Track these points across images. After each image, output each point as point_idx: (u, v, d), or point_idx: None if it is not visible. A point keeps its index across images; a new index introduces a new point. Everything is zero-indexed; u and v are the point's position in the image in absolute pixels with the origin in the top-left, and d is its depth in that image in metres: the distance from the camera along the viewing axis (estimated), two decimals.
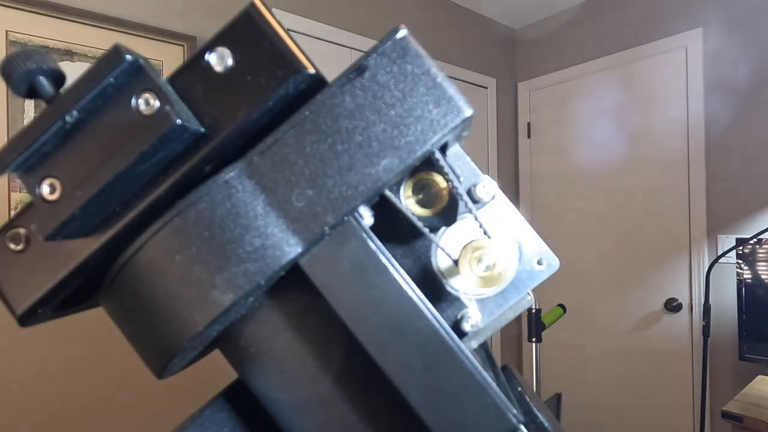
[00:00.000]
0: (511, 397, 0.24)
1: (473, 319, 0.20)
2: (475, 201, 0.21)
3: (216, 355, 0.24)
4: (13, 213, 1.13)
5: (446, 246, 0.20)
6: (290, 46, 0.18)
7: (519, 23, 2.65)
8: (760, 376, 1.71)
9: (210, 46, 0.18)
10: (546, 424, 0.25)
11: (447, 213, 0.21)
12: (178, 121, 0.17)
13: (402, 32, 0.19)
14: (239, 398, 0.25)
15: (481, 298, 0.21)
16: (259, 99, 0.18)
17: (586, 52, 2.39)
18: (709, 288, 1.79)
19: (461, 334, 0.20)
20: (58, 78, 0.18)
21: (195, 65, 0.18)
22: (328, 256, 0.19)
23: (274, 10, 1.77)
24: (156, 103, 0.17)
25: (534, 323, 1.38)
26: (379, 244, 0.19)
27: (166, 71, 1.50)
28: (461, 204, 0.21)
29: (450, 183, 0.20)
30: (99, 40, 1.39)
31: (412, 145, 0.18)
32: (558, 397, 1.49)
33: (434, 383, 0.18)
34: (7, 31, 1.25)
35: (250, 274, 0.18)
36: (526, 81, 2.66)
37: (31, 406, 1.28)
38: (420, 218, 0.21)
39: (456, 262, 0.19)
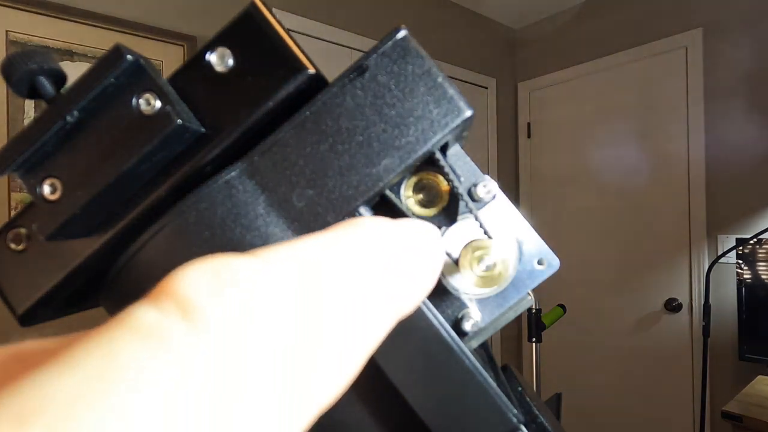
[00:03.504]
0: (511, 397, 0.24)
1: (473, 319, 0.20)
2: (475, 201, 0.21)
3: None
4: (13, 213, 1.13)
5: (446, 246, 0.20)
6: (291, 46, 0.18)
7: (519, 23, 2.65)
8: (760, 376, 1.71)
9: (210, 46, 0.18)
10: (546, 424, 0.25)
11: (447, 213, 0.21)
12: (179, 121, 0.17)
13: (402, 32, 0.18)
14: None
15: (482, 298, 0.21)
16: (259, 99, 0.18)
17: (586, 52, 2.39)
18: (709, 288, 1.79)
19: (461, 334, 0.20)
20: (58, 78, 0.18)
21: (196, 65, 0.18)
22: None
23: (274, 10, 1.77)
24: (157, 103, 0.17)
25: (534, 323, 1.38)
26: None
27: (166, 71, 1.50)
28: (462, 204, 0.21)
29: (450, 183, 0.20)
30: (99, 40, 1.39)
31: (412, 145, 0.18)
32: (558, 397, 1.49)
33: (434, 383, 0.18)
34: (7, 31, 1.25)
35: None
36: (526, 81, 2.66)
37: None
38: (420, 218, 0.21)
39: (456, 261, 0.19)
